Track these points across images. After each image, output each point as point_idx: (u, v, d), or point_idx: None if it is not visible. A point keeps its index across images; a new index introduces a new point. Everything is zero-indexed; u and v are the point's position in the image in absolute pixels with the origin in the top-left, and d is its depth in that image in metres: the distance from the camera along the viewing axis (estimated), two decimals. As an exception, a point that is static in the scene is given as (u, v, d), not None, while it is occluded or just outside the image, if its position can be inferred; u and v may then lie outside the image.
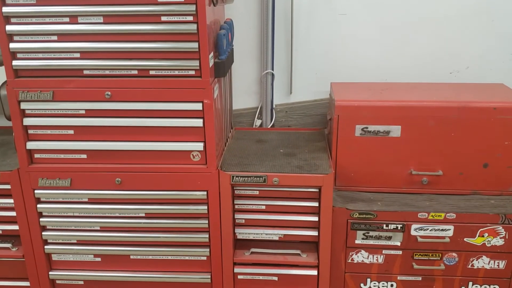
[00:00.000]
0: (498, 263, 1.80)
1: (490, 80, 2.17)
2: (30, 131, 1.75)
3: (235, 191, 1.81)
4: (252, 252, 1.88)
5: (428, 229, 1.79)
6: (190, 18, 1.59)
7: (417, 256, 1.83)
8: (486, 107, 1.79)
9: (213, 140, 1.72)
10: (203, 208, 1.80)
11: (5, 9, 1.60)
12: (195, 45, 1.62)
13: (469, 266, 1.82)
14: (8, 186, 1.81)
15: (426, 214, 1.77)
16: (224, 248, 1.85)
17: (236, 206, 1.84)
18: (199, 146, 1.73)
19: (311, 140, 2.09)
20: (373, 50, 2.19)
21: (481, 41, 2.16)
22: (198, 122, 1.70)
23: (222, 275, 1.88)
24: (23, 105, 1.70)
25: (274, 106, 2.27)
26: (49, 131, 1.74)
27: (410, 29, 2.16)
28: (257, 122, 2.29)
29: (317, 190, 1.79)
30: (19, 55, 1.66)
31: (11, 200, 1.83)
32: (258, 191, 1.81)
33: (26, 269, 1.92)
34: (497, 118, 1.79)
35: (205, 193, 1.78)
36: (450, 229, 1.78)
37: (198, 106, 1.68)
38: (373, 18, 2.15)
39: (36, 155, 1.78)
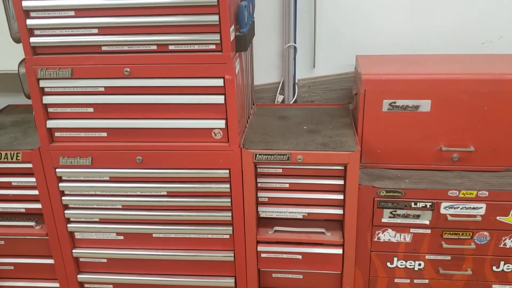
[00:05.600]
0: (532, 242, 1.74)
1: (525, 50, 2.05)
2: (50, 110, 1.72)
3: (258, 169, 1.77)
4: (275, 231, 1.85)
5: (458, 207, 1.72)
6: (210, -11, 1.52)
7: (446, 235, 1.77)
8: (522, 79, 1.70)
9: (235, 117, 1.67)
10: (225, 187, 1.77)
11: (20, -16, 1.56)
12: (215, 17, 1.55)
13: (501, 245, 1.76)
14: (30, 165, 1.80)
15: (457, 192, 1.71)
16: (247, 226, 1.82)
17: (259, 184, 1.80)
18: (221, 123, 1.69)
19: (336, 116, 2.02)
20: (400, 20, 2.09)
21: (515, 9, 2.04)
22: (220, 99, 1.65)
23: (245, 253, 1.86)
24: (42, 83, 1.67)
25: (296, 81, 2.20)
26: (68, 109, 1.72)
27: (440, -3, 2.05)
28: (279, 98, 2.22)
29: (342, 168, 1.73)
30: (36, 32, 1.62)
31: (33, 179, 1.82)
32: (281, 169, 1.77)
33: (50, 247, 1.93)
34: (533, 91, 1.70)
35: (227, 171, 1.74)
36: (482, 208, 1.71)
37: (219, 82, 1.63)
38: (401, -13, 2.05)
39: (57, 134, 1.76)
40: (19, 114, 2.16)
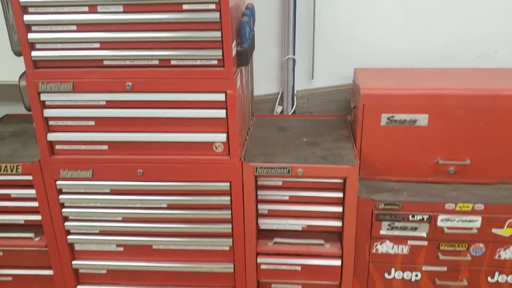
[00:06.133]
0: (527, 254, 1.78)
1: (520, 64, 2.09)
2: (51, 122, 1.72)
3: (258, 181, 1.79)
4: (275, 242, 1.87)
5: (455, 220, 1.75)
6: (213, 6, 1.53)
7: (443, 246, 1.80)
8: (518, 95, 1.73)
9: (236, 131, 1.68)
10: (226, 199, 1.78)
11: (22, -1, 1.55)
12: (217, 34, 1.56)
13: (496, 257, 1.80)
14: (30, 177, 1.80)
15: (454, 205, 1.74)
16: (247, 238, 1.83)
17: (259, 197, 1.81)
18: (222, 137, 1.70)
19: (334, 128, 2.04)
20: (396, 34, 2.12)
21: (510, 22, 2.07)
22: (221, 113, 1.67)
23: (245, 265, 1.88)
24: (43, 97, 1.67)
25: (295, 92, 2.22)
26: (69, 122, 1.72)
27: (435, 10, 2.07)
28: (278, 109, 2.24)
29: (341, 180, 1.76)
30: (37, 46, 1.62)
31: (33, 191, 1.82)
32: (281, 182, 1.78)
33: (50, 259, 1.93)
34: (529, 106, 1.73)
35: (228, 184, 1.75)
36: (477, 220, 1.74)
37: (221, 97, 1.64)
38: (398, 0, 2.07)
39: (57, 146, 1.76)
40: (18, 124, 2.15)
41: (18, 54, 1.67)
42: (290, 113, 2.23)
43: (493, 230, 1.76)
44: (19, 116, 2.25)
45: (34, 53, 1.62)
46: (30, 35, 1.60)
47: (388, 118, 1.80)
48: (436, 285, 1.86)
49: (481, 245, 1.79)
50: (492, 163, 1.82)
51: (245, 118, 1.91)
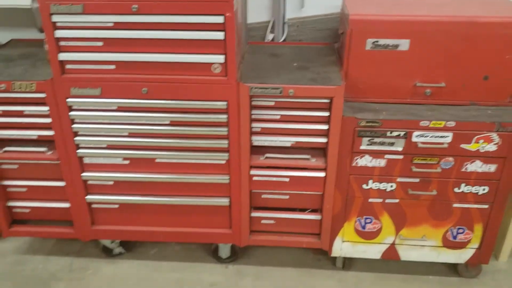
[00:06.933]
0: (490, 167, 2.00)
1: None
2: (62, 43, 1.85)
3: (253, 102, 1.96)
4: (266, 157, 2.07)
5: (428, 136, 1.96)
6: None
7: (416, 160, 2.01)
8: (492, 22, 1.88)
9: (233, 53, 1.83)
10: (223, 117, 1.96)
11: None
12: (217, -42, 1.68)
13: (463, 170, 2.02)
14: (42, 95, 1.94)
15: (428, 122, 1.93)
16: (242, 153, 2.03)
17: (253, 116, 1.99)
18: (220, 58, 1.85)
19: (323, 54, 2.20)
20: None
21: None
22: (220, 35, 1.80)
23: (240, 176, 2.08)
24: (55, 18, 1.79)
25: (286, 20, 2.35)
26: (79, 43, 1.84)
27: None
28: (270, 36, 2.37)
29: (328, 100, 1.93)
30: (48, -32, 1.72)
31: (46, 108, 1.97)
32: (274, 102, 1.96)
33: (61, 171, 2.12)
34: (500, 33, 1.89)
35: (225, 103, 1.92)
36: (448, 136, 1.95)
37: (220, 19, 1.77)
38: None
39: (68, 66, 1.89)
40: (24, 48, 2.26)
41: (28, -24, 1.77)
42: (281, 41, 2.37)
43: (462, 145, 1.97)
44: (24, 41, 2.35)
45: (44, -25, 1.72)
46: (40, -43, 1.69)
47: (373, 43, 1.95)
48: (408, 195, 2.10)
49: (451, 158, 2.01)
50: (465, 86, 2.01)
51: (240, 42, 2.05)
